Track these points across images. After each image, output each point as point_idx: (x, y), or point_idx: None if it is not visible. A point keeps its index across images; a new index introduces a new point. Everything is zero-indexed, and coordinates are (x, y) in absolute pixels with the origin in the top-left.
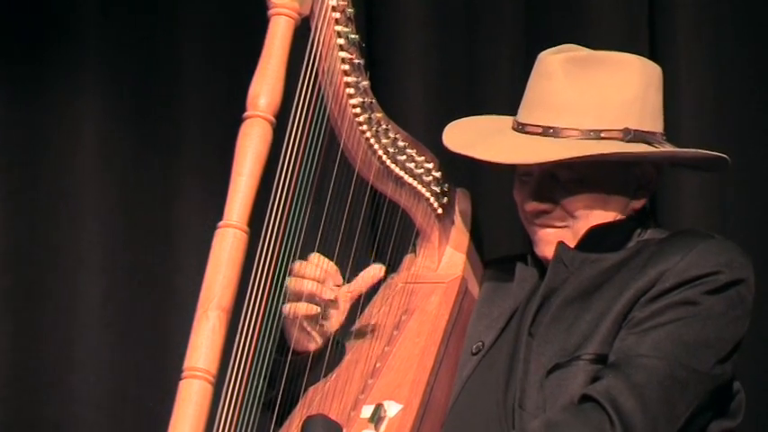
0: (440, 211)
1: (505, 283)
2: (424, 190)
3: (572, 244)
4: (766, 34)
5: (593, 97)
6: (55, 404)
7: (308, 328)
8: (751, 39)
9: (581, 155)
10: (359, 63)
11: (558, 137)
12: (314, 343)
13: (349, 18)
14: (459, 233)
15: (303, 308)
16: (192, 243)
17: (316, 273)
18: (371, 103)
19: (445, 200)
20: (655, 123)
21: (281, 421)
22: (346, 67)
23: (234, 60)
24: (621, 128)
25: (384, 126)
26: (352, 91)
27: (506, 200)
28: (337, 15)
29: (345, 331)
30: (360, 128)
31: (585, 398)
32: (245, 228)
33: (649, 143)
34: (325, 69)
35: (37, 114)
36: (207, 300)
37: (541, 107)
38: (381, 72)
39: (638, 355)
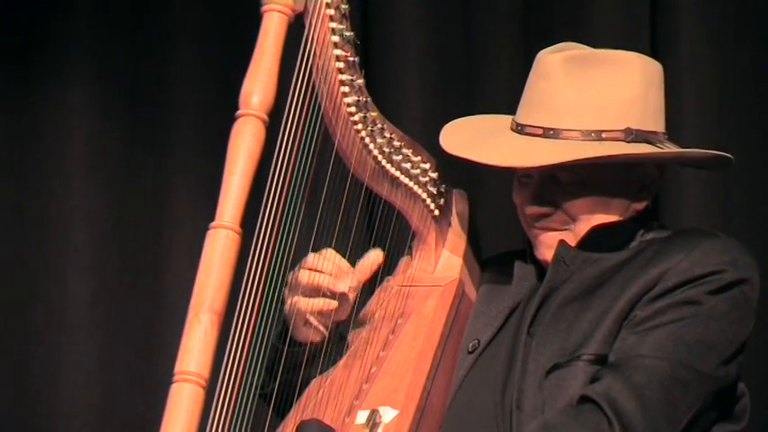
0: (436, 212)
1: (503, 281)
2: (420, 191)
3: (573, 245)
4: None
5: (594, 97)
6: (44, 405)
7: (315, 322)
8: (752, 37)
9: (583, 157)
10: (354, 61)
11: (559, 138)
12: (319, 335)
13: (344, 15)
14: (457, 235)
15: (320, 303)
16: (184, 244)
17: (328, 267)
18: (366, 101)
19: (442, 201)
20: (657, 123)
21: (279, 412)
22: (341, 64)
23: (226, 57)
24: (623, 128)
25: (379, 125)
26: (346, 89)
27: (505, 201)
28: (332, 12)
29: (348, 325)
30: (354, 127)
31: (584, 399)
32: (238, 228)
33: (651, 143)
34: (320, 67)
35: (26, 114)
36: (199, 302)
37: (541, 108)
38: (377, 70)
39: (638, 356)
